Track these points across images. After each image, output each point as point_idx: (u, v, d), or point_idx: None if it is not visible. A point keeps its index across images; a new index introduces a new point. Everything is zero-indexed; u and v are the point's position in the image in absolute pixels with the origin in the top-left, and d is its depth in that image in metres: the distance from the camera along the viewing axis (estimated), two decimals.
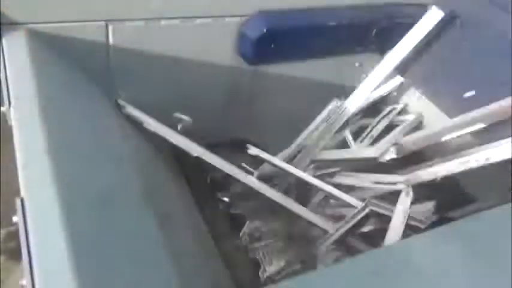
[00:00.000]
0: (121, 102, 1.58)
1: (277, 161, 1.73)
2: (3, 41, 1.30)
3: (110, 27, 1.50)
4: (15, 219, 0.88)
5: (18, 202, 0.89)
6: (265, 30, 1.70)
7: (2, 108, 1.13)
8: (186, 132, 1.67)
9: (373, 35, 1.93)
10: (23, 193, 0.91)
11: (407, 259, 0.86)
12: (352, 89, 2.02)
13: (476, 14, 1.87)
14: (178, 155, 1.76)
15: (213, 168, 1.62)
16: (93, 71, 1.52)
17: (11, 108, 1.10)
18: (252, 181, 1.62)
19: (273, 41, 1.75)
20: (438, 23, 1.88)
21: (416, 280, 0.83)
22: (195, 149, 1.60)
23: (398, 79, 2.00)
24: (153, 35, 1.60)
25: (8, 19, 1.34)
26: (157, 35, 1.61)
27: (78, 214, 0.91)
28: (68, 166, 1.01)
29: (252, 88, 1.92)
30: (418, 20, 1.92)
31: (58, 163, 0.98)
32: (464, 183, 1.71)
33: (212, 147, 1.85)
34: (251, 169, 1.64)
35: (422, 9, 1.96)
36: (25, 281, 0.78)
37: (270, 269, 1.61)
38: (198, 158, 1.61)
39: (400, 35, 1.95)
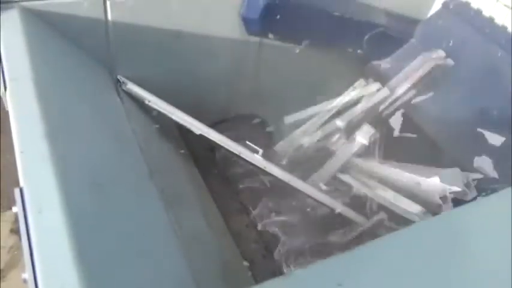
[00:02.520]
0: (122, 78, 1.54)
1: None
2: None
3: (108, 2, 1.45)
4: (14, 209, 0.85)
5: (17, 192, 0.86)
6: (268, 2, 1.67)
7: None
8: (191, 109, 1.63)
9: (365, 40, 1.92)
10: (21, 182, 0.88)
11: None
12: None
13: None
14: (184, 132, 1.72)
15: (220, 145, 1.59)
16: (92, 49, 1.47)
17: (7, 92, 1.06)
18: (258, 159, 1.58)
19: (279, 11, 1.70)
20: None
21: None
22: (198, 127, 1.56)
23: (385, 91, 1.96)
24: (154, 9, 1.55)
25: None
26: (158, 8, 1.56)
27: (79, 202, 0.89)
28: (67, 150, 0.98)
29: (258, 61, 1.86)
30: (408, 35, 1.99)
31: (57, 148, 0.94)
32: None
33: (218, 123, 1.82)
34: (256, 147, 1.60)
35: (414, 24, 2.00)
36: (27, 275, 0.75)
37: (289, 241, 1.59)
38: (203, 136, 1.57)
39: (388, 48, 1.99)
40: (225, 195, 1.71)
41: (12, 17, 1.27)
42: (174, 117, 1.56)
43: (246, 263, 1.50)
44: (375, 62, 2.00)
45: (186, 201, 1.42)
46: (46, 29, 1.34)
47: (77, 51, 1.42)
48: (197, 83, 1.76)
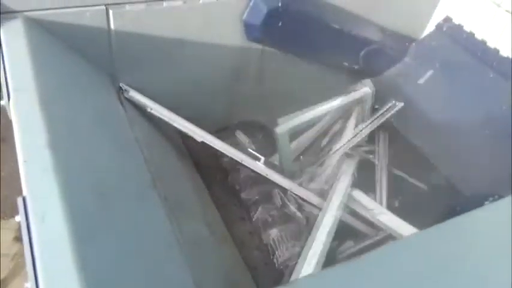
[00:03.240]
0: (124, 86, 1.55)
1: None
2: (1, 31, 1.26)
3: (111, 12, 1.45)
4: (17, 218, 0.85)
5: (20, 201, 0.86)
6: (268, 11, 1.67)
7: (2, 102, 1.10)
8: (194, 116, 1.64)
9: (361, 55, 1.94)
10: (24, 191, 0.88)
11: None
12: None
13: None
14: (186, 140, 1.73)
15: (222, 152, 1.59)
16: (95, 58, 1.48)
17: (11, 102, 1.06)
18: (260, 167, 1.58)
19: (281, 19, 1.71)
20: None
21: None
22: (199, 134, 1.57)
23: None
24: (156, 18, 1.55)
25: (5, 7, 1.29)
26: (160, 17, 1.56)
27: (82, 211, 0.89)
28: (70, 159, 0.99)
29: (260, 69, 1.87)
30: (402, 54, 2.02)
31: (60, 157, 0.95)
32: None
33: (220, 130, 1.82)
34: (258, 154, 1.60)
35: (408, 43, 2.04)
36: (29, 284, 0.76)
37: (284, 254, 1.58)
38: (206, 143, 1.58)
39: (382, 65, 2.02)
40: (228, 203, 1.71)
41: (15, 27, 1.28)
42: (176, 125, 1.57)
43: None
44: (368, 79, 2.02)
45: (189, 208, 1.43)
46: (49, 38, 1.35)
47: (80, 61, 1.43)
48: (199, 91, 1.76)
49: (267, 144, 1.88)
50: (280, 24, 1.72)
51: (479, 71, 1.84)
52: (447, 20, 2.02)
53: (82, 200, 0.92)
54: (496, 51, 1.84)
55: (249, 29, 1.73)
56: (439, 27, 2.03)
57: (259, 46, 1.80)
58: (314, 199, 1.66)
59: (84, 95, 1.32)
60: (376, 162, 1.87)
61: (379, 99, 1.95)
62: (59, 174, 0.91)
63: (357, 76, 2.00)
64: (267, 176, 1.59)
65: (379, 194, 1.78)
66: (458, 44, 1.94)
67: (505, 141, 1.63)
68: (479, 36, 1.91)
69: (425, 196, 1.79)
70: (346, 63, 1.97)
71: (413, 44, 2.06)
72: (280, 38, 1.79)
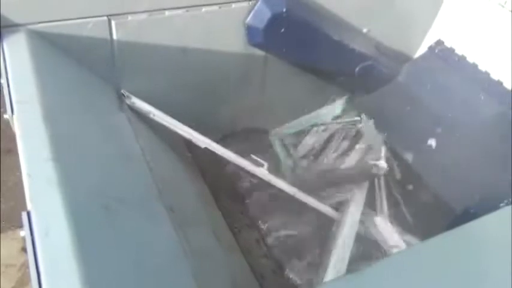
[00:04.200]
0: (126, 92, 1.55)
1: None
2: (4, 44, 1.26)
3: (113, 22, 1.46)
4: (22, 233, 0.85)
5: (24, 216, 0.86)
6: (272, 15, 1.67)
7: (5, 116, 1.10)
8: (198, 123, 1.63)
9: (356, 70, 1.96)
10: (29, 205, 0.88)
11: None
12: None
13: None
14: (191, 148, 1.72)
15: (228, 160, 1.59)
16: (98, 68, 1.48)
17: (14, 115, 1.06)
18: (263, 173, 1.57)
19: (284, 24, 1.71)
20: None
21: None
22: (202, 141, 1.56)
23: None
24: (158, 27, 1.56)
25: (8, 21, 1.30)
26: (162, 26, 1.56)
27: (87, 224, 0.88)
28: (74, 172, 0.98)
29: (263, 76, 1.86)
30: (395, 72, 2.04)
31: (64, 170, 0.95)
32: None
33: (225, 137, 1.82)
34: (262, 161, 1.60)
35: (403, 63, 2.07)
36: None
37: (298, 259, 1.58)
38: (212, 151, 1.57)
39: (375, 82, 2.03)
40: (234, 210, 1.70)
41: (18, 40, 1.28)
42: (179, 131, 1.56)
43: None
44: (361, 95, 2.06)
45: (195, 218, 1.42)
46: (52, 50, 1.35)
47: (83, 71, 1.43)
48: (203, 98, 1.76)
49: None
50: (282, 30, 1.71)
51: (470, 93, 1.88)
52: (439, 43, 2.06)
53: (87, 214, 0.91)
54: (487, 74, 1.88)
55: (251, 32, 1.72)
56: (431, 49, 2.07)
57: (262, 53, 1.80)
58: (318, 204, 1.65)
59: (88, 106, 1.31)
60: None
61: (369, 115, 2.01)
62: (63, 188, 0.91)
63: (351, 89, 2.06)
64: (270, 182, 1.59)
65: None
66: (450, 67, 1.98)
67: (495, 160, 1.66)
68: (470, 59, 1.95)
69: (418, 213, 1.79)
70: (340, 77, 2.00)
71: (406, 64, 2.09)
72: (280, 44, 1.78)
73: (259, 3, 1.67)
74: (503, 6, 1.82)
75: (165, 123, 1.56)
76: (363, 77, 1.98)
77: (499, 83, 1.84)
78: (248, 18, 1.69)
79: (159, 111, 1.57)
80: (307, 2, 1.76)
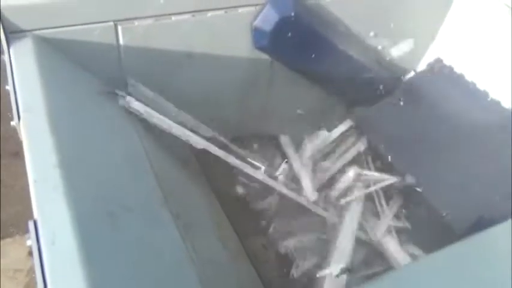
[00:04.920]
0: (120, 92, 1.52)
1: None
2: (11, 50, 1.26)
3: (120, 28, 1.45)
4: (29, 242, 0.85)
5: (31, 224, 0.85)
6: (280, 18, 1.66)
7: (12, 123, 1.10)
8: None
9: (356, 82, 1.96)
10: (35, 213, 0.88)
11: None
12: None
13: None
14: (197, 154, 1.72)
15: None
16: (105, 74, 1.47)
17: (21, 122, 1.06)
18: (260, 175, 1.57)
19: (292, 29, 1.70)
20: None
21: None
22: (200, 142, 1.57)
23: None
24: (164, 32, 1.55)
25: (14, 27, 1.30)
26: (169, 31, 1.56)
27: (93, 232, 0.88)
28: (81, 180, 0.98)
29: (269, 81, 1.85)
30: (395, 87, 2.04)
31: (70, 177, 0.94)
32: None
33: (230, 142, 1.81)
34: (259, 164, 1.59)
35: (398, 81, 2.07)
36: None
37: (304, 264, 1.57)
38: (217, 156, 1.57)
39: (374, 96, 2.03)
40: (240, 216, 1.70)
41: (25, 46, 1.28)
42: (173, 132, 1.56)
43: None
44: (360, 109, 2.06)
45: (202, 224, 1.41)
46: (58, 56, 1.35)
47: (89, 77, 1.43)
48: (209, 103, 1.75)
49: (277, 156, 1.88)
50: (289, 34, 1.70)
51: (469, 111, 1.88)
52: (438, 61, 2.07)
53: (93, 221, 0.91)
54: (486, 93, 1.89)
55: (257, 35, 1.71)
56: (430, 66, 2.08)
57: (268, 58, 1.79)
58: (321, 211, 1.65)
59: (94, 113, 1.31)
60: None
61: (364, 129, 2.02)
62: (69, 195, 0.90)
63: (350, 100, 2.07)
64: (268, 184, 1.58)
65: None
66: (449, 85, 1.99)
67: (495, 179, 1.66)
68: (469, 78, 1.96)
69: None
70: (340, 86, 1.99)
71: (405, 79, 2.10)
72: (285, 48, 1.77)
73: (267, 6, 1.66)
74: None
75: (161, 125, 1.54)
76: (362, 88, 1.99)
77: (498, 102, 1.85)
78: (256, 21, 1.68)
79: (154, 111, 1.56)
80: (315, 8, 1.75)
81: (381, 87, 2.02)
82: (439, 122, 1.89)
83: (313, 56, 1.81)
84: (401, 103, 2.01)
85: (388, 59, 2.05)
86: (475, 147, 1.78)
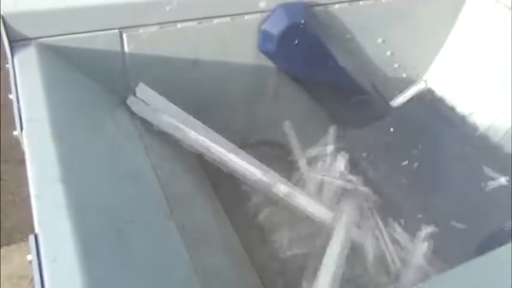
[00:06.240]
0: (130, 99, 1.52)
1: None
2: (15, 58, 1.24)
3: (125, 35, 1.43)
4: (29, 257, 0.83)
5: (31, 239, 0.83)
6: (289, 24, 1.64)
7: (14, 133, 1.08)
8: None
9: (352, 102, 1.94)
10: (36, 227, 0.86)
11: None
12: None
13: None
14: (204, 162, 1.70)
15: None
16: (109, 82, 1.46)
17: (23, 132, 1.04)
18: (258, 180, 1.55)
19: (299, 36, 1.68)
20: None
21: None
22: (207, 149, 1.57)
23: None
24: (170, 39, 1.53)
25: (18, 35, 1.28)
26: (174, 38, 1.54)
27: (96, 248, 0.86)
28: (84, 194, 0.96)
29: (276, 88, 1.84)
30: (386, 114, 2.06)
31: (73, 192, 0.92)
32: None
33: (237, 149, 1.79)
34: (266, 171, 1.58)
35: (389, 107, 2.08)
36: None
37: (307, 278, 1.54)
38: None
39: (368, 117, 2.04)
40: (247, 226, 1.67)
41: (29, 54, 1.26)
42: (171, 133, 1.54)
43: None
44: (353, 129, 2.06)
45: (207, 236, 1.39)
46: (62, 64, 1.33)
47: (94, 85, 1.41)
48: (215, 110, 1.73)
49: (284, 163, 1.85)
50: (296, 41, 1.69)
51: (457, 143, 1.89)
52: (429, 91, 2.09)
53: (97, 238, 0.88)
54: (476, 126, 1.90)
55: (265, 38, 1.69)
56: (421, 96, 2.08)
57: (274, 65, 1.77)
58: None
59: (99, 122, 1.29)
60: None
61: (356, 150, 1.99)
62: (72, 210, 0.88)
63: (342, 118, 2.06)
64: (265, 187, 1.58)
65: None
66: (438, 116, 2.01)
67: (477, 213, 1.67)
68: (460, 110, 1.98)
69: None
70: (334, 103, 1.98)
71: (396, 106, 2.09)
72: (289, 56, 1.76)
73: (278, 10, 1.64)
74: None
75: (164, 127, 1.53)
76: (355, 109, 1.97)
77: (487, 136, 1.87)
78: (264, 24, 1.66)
79: (159, 113, 1.55)
80: (323, 15, 1.74)
81: (374, 109, 2.03)
82: (425, 153, 1.90)
83: (313, 67, 1.80)
84: (391, 130, 2.01)
85: (396, 66, 2.05)
86: (463, 179, 1.79)
